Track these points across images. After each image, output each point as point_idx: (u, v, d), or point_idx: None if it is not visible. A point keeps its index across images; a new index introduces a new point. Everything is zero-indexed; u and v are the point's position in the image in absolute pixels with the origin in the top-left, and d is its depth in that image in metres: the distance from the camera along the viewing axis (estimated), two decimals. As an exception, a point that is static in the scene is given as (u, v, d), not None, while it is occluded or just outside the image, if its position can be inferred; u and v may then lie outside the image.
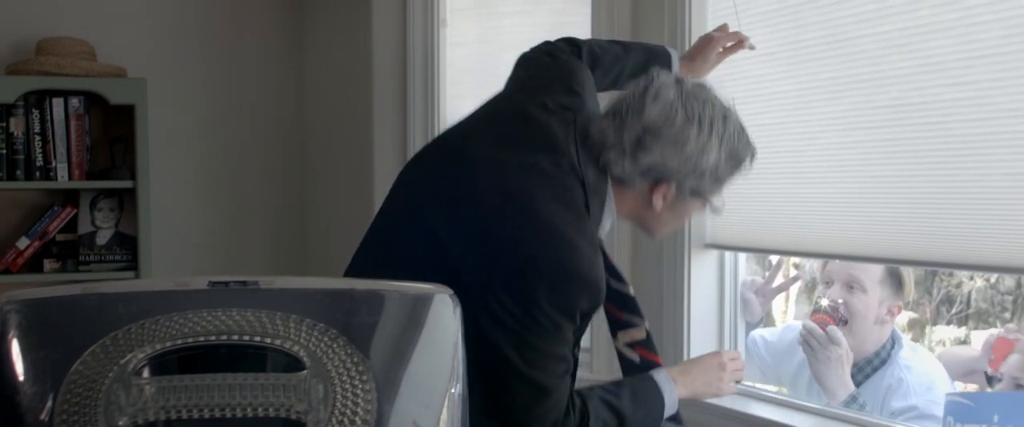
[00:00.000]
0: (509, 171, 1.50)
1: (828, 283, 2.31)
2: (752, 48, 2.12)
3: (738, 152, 1.55)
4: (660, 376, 1.65)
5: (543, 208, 1.45)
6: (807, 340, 2.25)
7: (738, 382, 1.80)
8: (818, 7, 2.06)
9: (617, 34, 2.53)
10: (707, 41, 2.07)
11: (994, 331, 2.22)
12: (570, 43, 1.90)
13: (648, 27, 2.48)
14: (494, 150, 1.55)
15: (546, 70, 1.76)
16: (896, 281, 2.23)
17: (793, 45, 2.12)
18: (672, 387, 1.64)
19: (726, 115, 1.53)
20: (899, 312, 2.24)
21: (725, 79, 2.28)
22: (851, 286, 2.24)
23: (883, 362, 2.22)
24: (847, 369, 2.20)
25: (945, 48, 1.82)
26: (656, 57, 2.00)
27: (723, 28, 2.10)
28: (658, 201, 1.55)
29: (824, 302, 2.25)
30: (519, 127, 1.58)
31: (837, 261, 2.29)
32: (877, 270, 2.22)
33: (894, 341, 2.23)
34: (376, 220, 1.70)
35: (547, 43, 1.89)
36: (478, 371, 1.41)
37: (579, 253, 1.43)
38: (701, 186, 1.54)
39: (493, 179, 1.50)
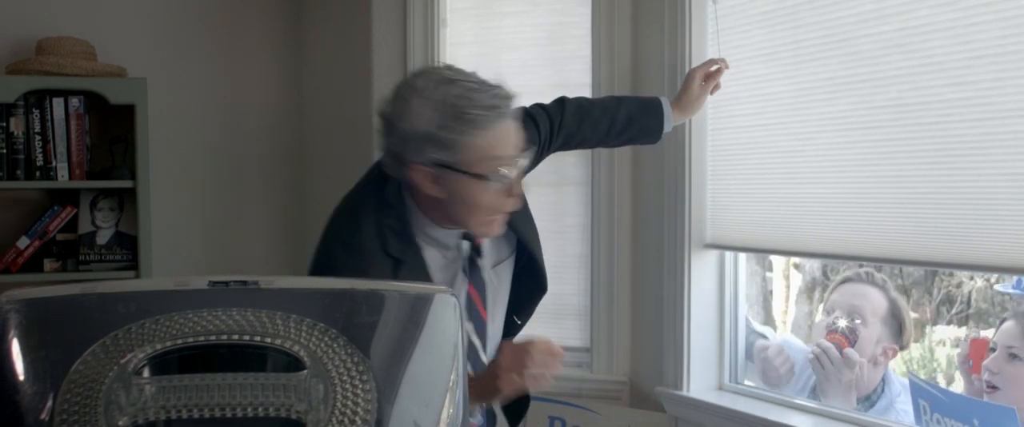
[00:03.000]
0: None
1: (830, 311, 2.28)
2: (726, 66, 2.22)
3: (451, 101, 1.52)
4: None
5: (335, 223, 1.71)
6: (819, 359, 2.21)
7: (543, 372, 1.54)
8: (817, 8, 2.06)
9: (616, 35, 2.53)
10: (689, 76, 2.21)
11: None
12: (558, 102, 1.99)
13: (648, 27, 2.48)
14: None
15: None
16: (897, 323, 2.19)
17: (792, 45, 2.12)
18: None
19: (450, 78, 1.55)
20: (894, 356, 2.18)
21: (725, 79, 2.28)
22: (853, 317, 2.22)
23: (870, 407, 2.17)
24: (854, 393, 2.18)
25: (944, 48, 1.82)
26: (649, 106, 2.13)
27: (706, 63, 2.22)
28: (420, 180, 1.58)
29: (842, 323, 2.21)
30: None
31: (844, 290, 2.27)
32: (881, 307, 2.19)
33: (885, 385, 2.17)
34: None
35: (537, 105, 1.97)
36: None
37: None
38: (442, 156, 1.54)
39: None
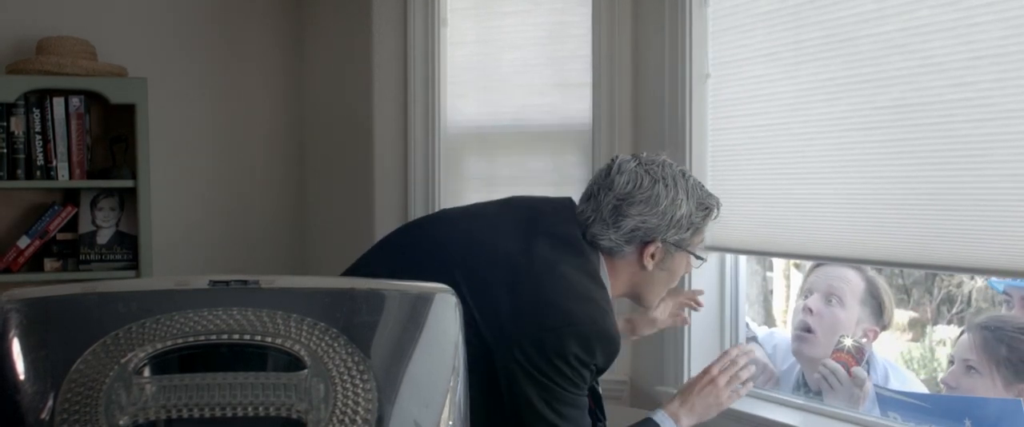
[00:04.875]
0: (544, 242, 1.67)
1: (807, 294, 2.28)
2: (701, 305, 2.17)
3: (705, 201, 1.73)
4: (658, 416, 1.77)
5: (575, 277, 1.62)
6: (827, 379, 2.19)
7: (745, 383, 1.86)
8: (818, 8, 2.06)
9: (616, 34, 2.53)
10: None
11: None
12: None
13: (648, 26, 2.48)
14: (530, 222, 1.72)
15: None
16: (876, 303, 2.18)
17: (793, 46, 2.12)
18: (671, 423, 1.76)
19: (684, 172, 1.73)
20: (875, 337, 2.17)
21: (726, 79, 2.28)
22: (830, 298, 2.21)
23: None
24: (862, 407, 2.18)
25: (945, 49, 1.82)
26: None
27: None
28: (648, 261, 1.71)
29: (847, 341, 2.20)
30: (549, 206, 1.79)
31: (821, 272, 2.27)
32: (859, 287, 2.19)
33: (870, 368, 2.15)
34: (387, 258, 1.78)
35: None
36: (508, 418, 1.57)
37: (606, 316, 1.60)
38: (682, 238, 1.71)
39: (530, 247, 1.66)
